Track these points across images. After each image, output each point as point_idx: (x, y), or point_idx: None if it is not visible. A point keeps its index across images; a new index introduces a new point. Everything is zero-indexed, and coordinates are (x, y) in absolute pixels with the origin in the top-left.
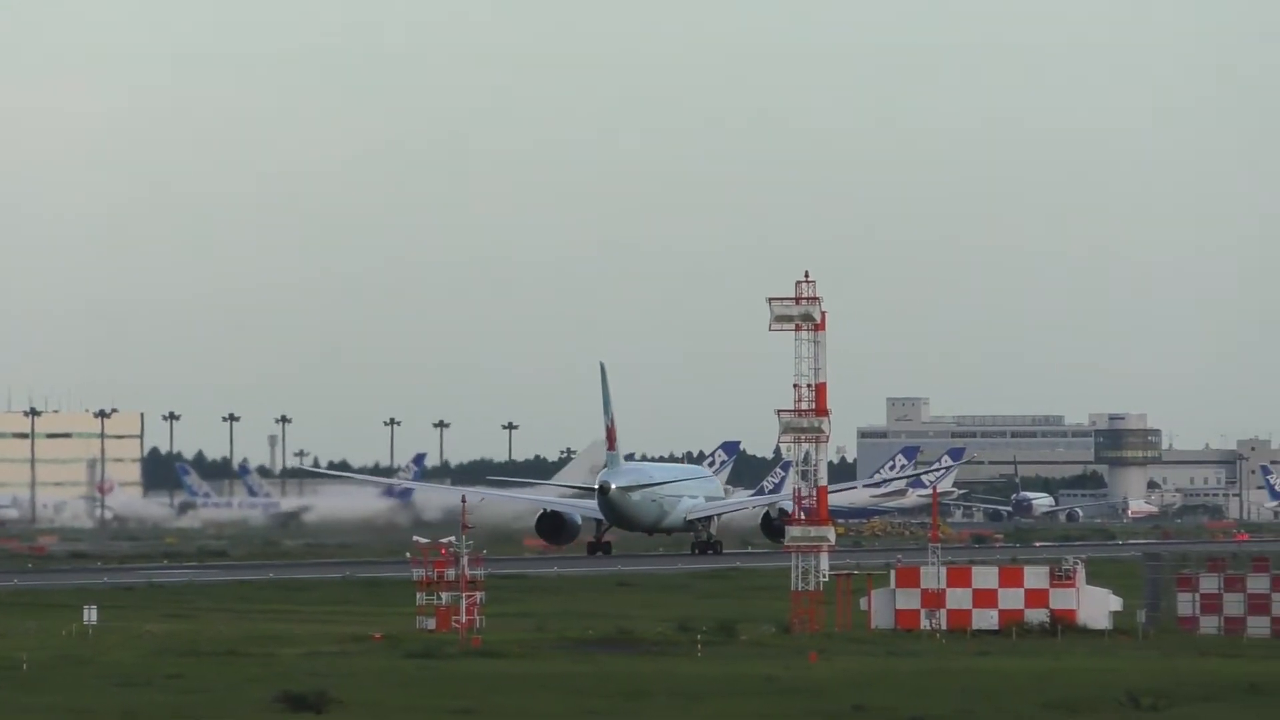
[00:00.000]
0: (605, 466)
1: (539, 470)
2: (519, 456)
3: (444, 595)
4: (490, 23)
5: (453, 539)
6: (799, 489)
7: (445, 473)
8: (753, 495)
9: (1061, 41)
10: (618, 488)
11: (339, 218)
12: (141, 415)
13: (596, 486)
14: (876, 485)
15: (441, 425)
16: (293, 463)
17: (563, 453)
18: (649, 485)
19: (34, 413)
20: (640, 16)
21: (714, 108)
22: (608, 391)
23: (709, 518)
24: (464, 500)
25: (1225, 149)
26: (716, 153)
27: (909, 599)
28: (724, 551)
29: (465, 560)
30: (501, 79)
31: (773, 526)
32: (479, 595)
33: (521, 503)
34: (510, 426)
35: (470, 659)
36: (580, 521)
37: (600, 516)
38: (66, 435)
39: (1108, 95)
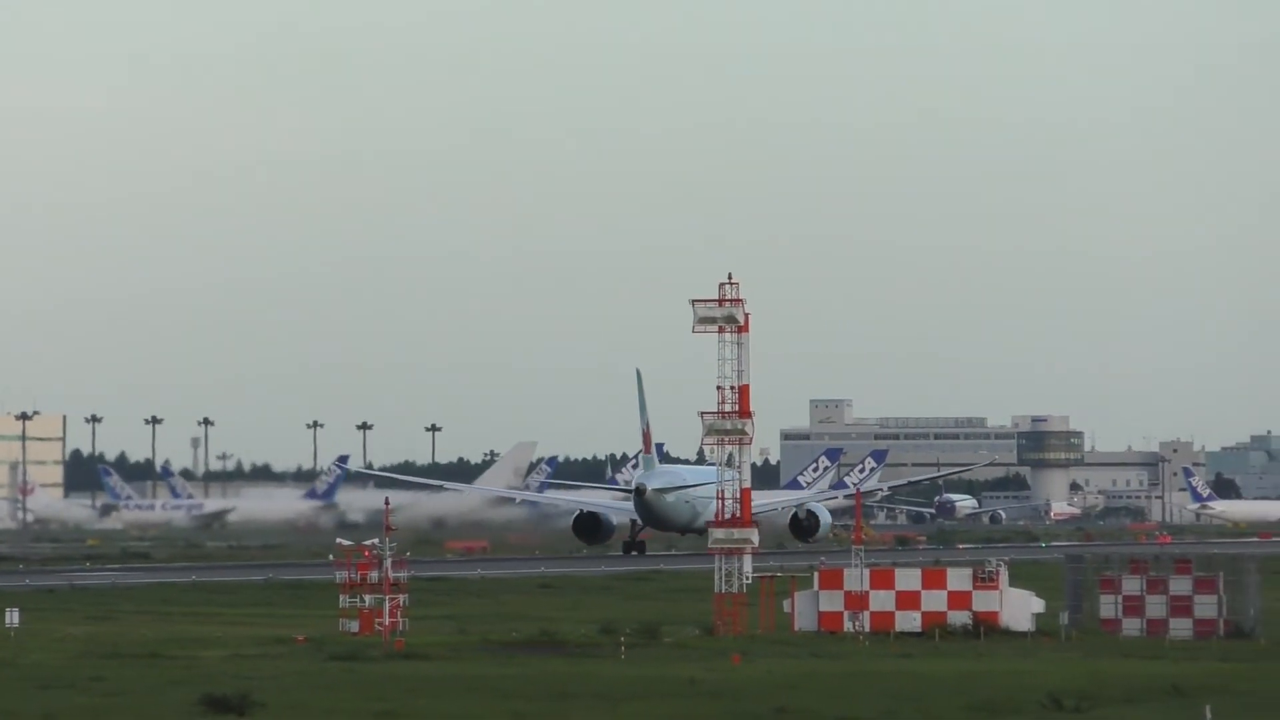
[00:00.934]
0: (639, 468)
1: (462, 473)
2: (442, 458)
3: (367, 598)
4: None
5: (376, 541)
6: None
7: (369, 475)
8: (776, 495)
9: (981, 36)
10: (653, 490)
11: (259, 220)
12: (64, 418)
13: (633, 488)
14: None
15: (365, 427)
16: (215, 465)
17: (486, 455)
18: (683, 487)
19: None
20: (535, 15)
21: (637, 110)
22: (643, 397)
23: None
24: (387, 503)
25: (1143, 152)
26: (636, 153)
27: (832, 601)
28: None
29: (388, 562)
30: (413, 79)
31: (801, 526)
32: (402, 598)
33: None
34: (433, 429)
35: (393, 661)
36: (615, 522)
37: (635, 517)
38: None
39: (1028, 92)
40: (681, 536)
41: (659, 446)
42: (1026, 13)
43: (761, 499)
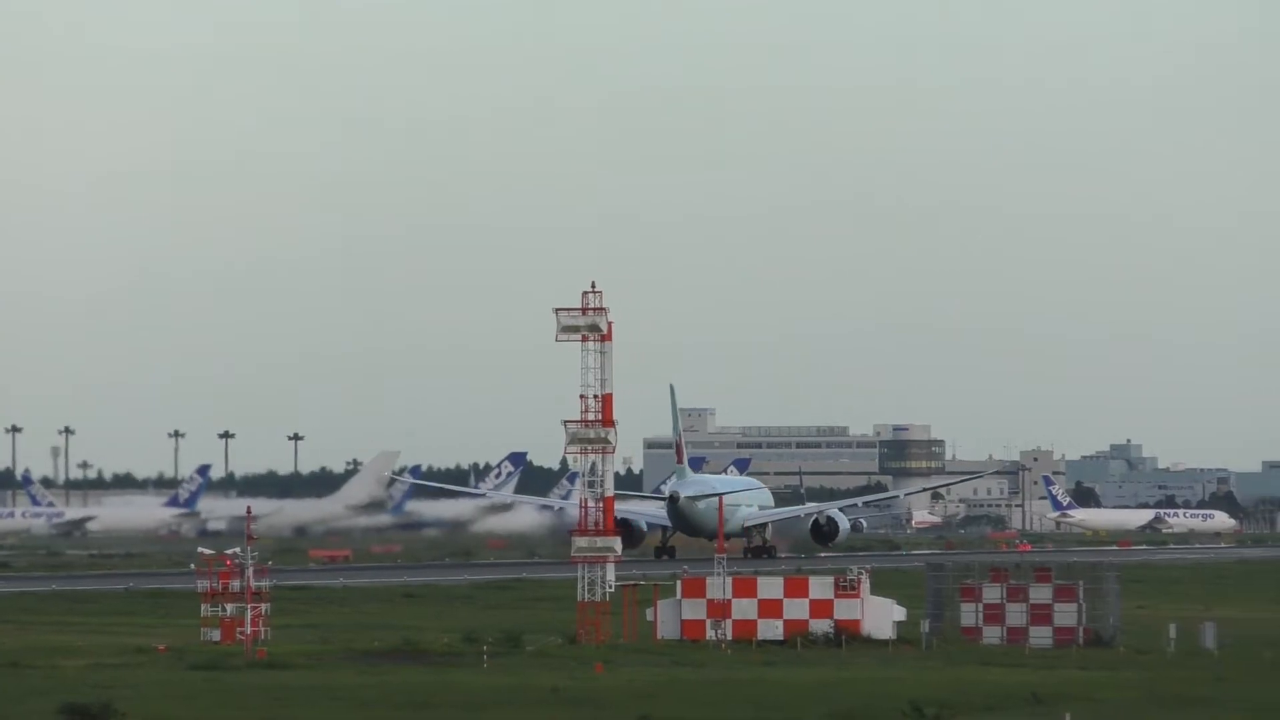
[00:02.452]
0: (674, 477)
1: (325, 482)
2: (304, 467)
3: (229, 607)
4: None
5: (237, 550)
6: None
7: (231, 484)
8: (812, 505)
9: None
10: (686, 497)
11: (119, 230)
12: None
13: (668, 496)
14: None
15: (227, 436)
16: (76, 474)
17: (349, 464)
18: (714, 495)
19: None
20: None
21: (496, 111)
22: (676, 410)
23: (764, 525)
24: (249, 511)
25: (999, 171)
26: (499, 157)
27: (695, 609)
28: (778, 555)
29: (250, 571)
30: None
31: (821, 533)
32: (264, 607)
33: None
34: (295, 437)
35: (256, 671)
36: (646, 528)
37: (666, 523)
38: None
39: (893, 110)
40: (710, 541)
41: (520, 455)
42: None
43: (785, 509)
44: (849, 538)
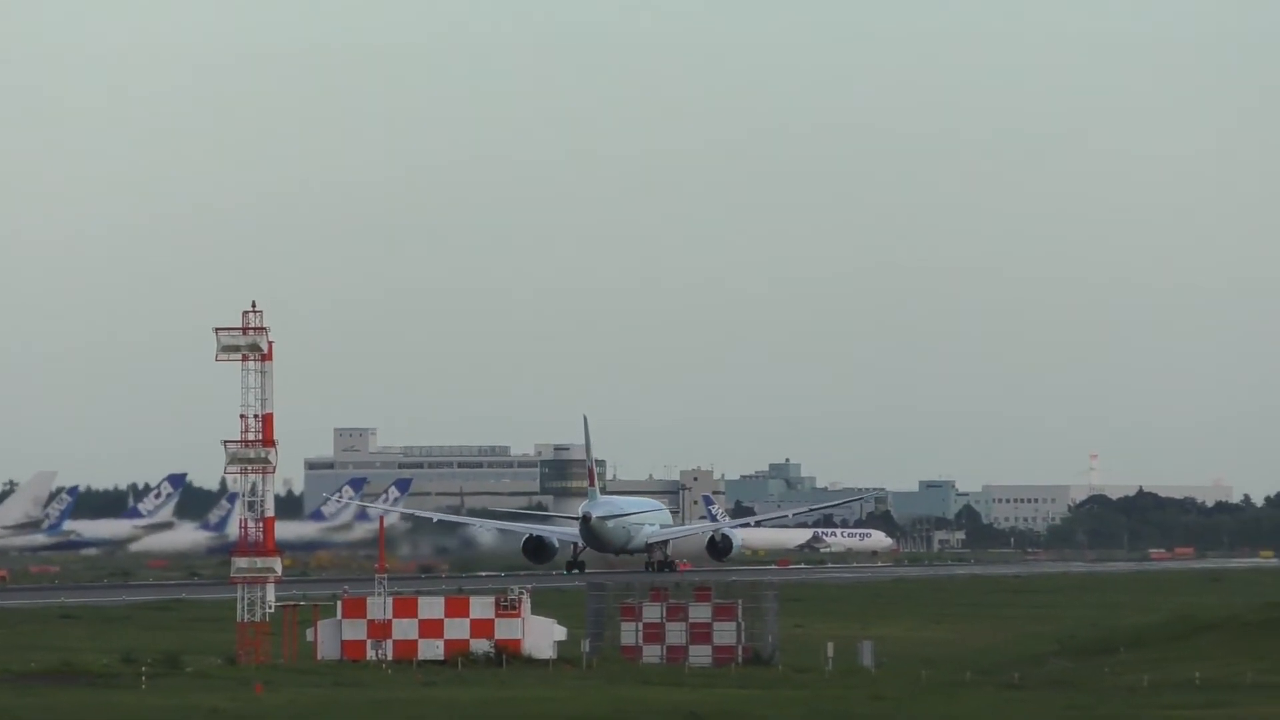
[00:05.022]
0: (586, 499)
1: None
2: None
3: None
4: None
5: None
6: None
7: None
8: (696, 522)
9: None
10: (597, 517)
11: None
12: None
13: (581, 516)
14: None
15: None
16: None
17: (5, 484)
18: (621, 515)
19: None
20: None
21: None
22: (589, 438)
23: (665, 541)
24: None
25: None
26: (156, 170)
27: (355, 630)
28: (678, 569)
29: None
30: None
31: (717, 548)
32: None
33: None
34: None
35: None
36: (558, 544)
37: (577, 540)
38: None
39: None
40: (617, 556)
41: (180, 476)
42: None
43: (684, 526)
44: (738, 551)
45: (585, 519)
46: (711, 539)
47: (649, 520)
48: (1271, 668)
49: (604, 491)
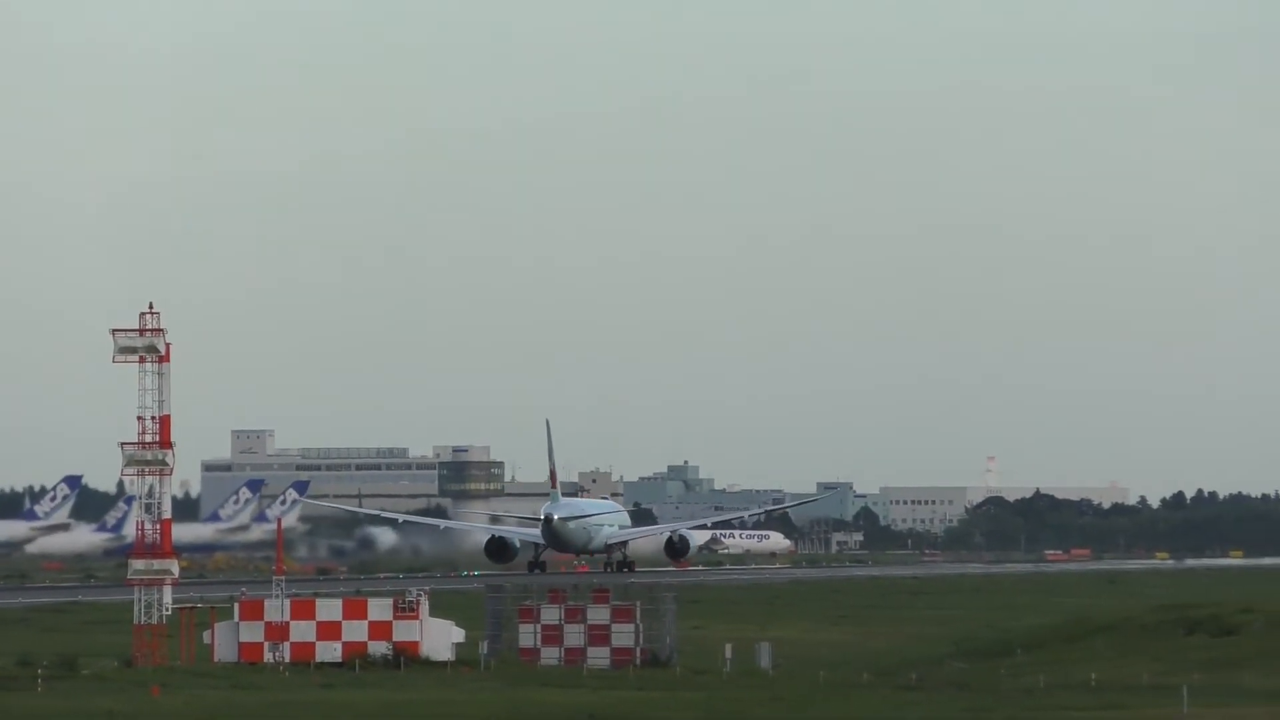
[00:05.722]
0: (548, 501)
1: None
2: None
3: None
4: None
5: None
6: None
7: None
8: (651, 526)
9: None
10: (559, 519)
11: None
12: None
13: (543, 518)
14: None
15: None
16: None
17: None
18: (582, 517)
19: None
20: None
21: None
22: (551, 443)
23: (624, 542)
24: None
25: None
26: (50, 175)
27: (253, 632)
28: (636, 569)
29: None
30: None
31: (674, 549)
32: None
33: None
34: None
35: None
36: (519, 545)
37: (539, 541)
38: None
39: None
40: (577, 557)
41: (76, 478)
42: None
43: (642, 528)
44: (694, 552)
45: (548, 520)
46: (669, 540)
47: (609, 522)
48: (1167, 669)
49: (501, 494)
